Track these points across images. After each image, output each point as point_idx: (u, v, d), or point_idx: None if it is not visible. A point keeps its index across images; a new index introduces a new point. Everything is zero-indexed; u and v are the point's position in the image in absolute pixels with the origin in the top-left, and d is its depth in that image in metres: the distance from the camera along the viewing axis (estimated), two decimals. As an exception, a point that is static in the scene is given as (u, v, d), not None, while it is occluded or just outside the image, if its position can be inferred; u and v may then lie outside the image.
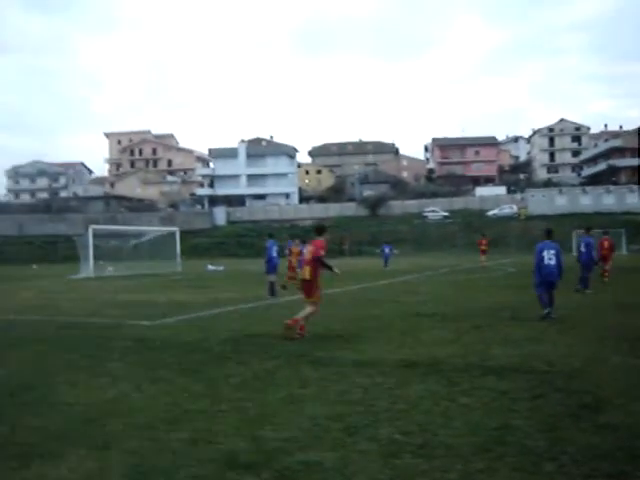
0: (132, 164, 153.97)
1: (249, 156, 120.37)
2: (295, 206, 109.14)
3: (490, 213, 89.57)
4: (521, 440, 5.91)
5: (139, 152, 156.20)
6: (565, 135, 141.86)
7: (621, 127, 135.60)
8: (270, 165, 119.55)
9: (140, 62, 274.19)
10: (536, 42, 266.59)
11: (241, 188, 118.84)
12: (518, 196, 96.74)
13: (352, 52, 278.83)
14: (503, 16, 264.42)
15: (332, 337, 12.50)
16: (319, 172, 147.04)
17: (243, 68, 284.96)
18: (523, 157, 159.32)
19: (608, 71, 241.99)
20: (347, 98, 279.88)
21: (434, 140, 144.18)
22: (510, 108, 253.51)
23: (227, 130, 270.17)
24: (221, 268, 47.36)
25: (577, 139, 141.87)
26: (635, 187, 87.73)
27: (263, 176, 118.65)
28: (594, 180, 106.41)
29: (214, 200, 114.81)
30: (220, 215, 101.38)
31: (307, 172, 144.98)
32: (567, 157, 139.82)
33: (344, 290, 24.47)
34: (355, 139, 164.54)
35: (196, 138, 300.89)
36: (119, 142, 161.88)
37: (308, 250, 13.49)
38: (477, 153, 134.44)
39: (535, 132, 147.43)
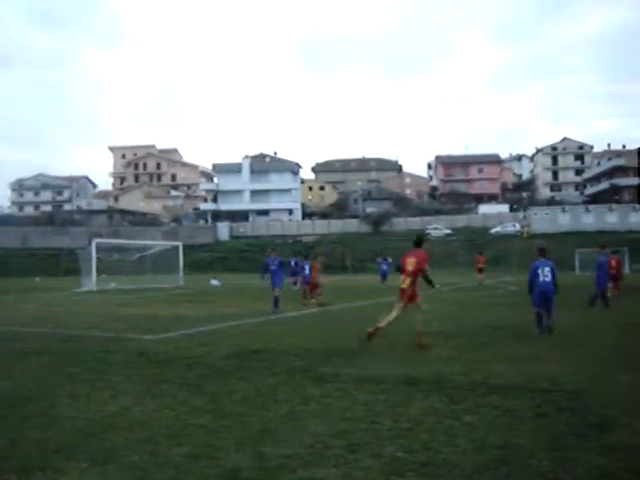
0: (136, 178, 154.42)
1: (253, 172, 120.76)
2: (298, 222, 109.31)
3: (493, 231, 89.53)
4: (525, 459, 5.87)
5: (143, 166, 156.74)
6: (568, 154, 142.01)
7: (624, 146, 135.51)
8: (274, 181, 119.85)
9: (145, 77, 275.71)
10: (540, 61, 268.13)
11: (244, 203, 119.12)
12: (521, 214, 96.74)
13: (356, 69, 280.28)
14: (507, 35, 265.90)
15: (334, 353, 12.43)
16: (322, 188, 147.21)
17: (247, 84, 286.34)
18: (526, 175, 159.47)
19: (611, 90, 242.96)
20: (351, 115, 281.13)
21: (437, 157, 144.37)
22: (513, 126, 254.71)
23: (231, 146, 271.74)
24: (220, 283, 47.25)
25: (580, 158, 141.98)
26: (638, 206, 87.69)
27: (266, 192, 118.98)
28: (597, 199, 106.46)
29: (217, 215, 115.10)
30: (223, 230, 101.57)
31: (310, 188, 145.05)
32: (570, 176, 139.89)
33: (347, 306, 24.46)
34: (358, 156, 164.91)
35: (200, 153, 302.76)
36: (123, 156, 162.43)
37: (410, 261, 13.74)
38: (480, 171, 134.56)
39: (538, 150, 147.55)
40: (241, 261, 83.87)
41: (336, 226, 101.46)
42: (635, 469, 5.60)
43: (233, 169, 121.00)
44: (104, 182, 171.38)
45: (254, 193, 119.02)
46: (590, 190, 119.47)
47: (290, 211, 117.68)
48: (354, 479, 5.41)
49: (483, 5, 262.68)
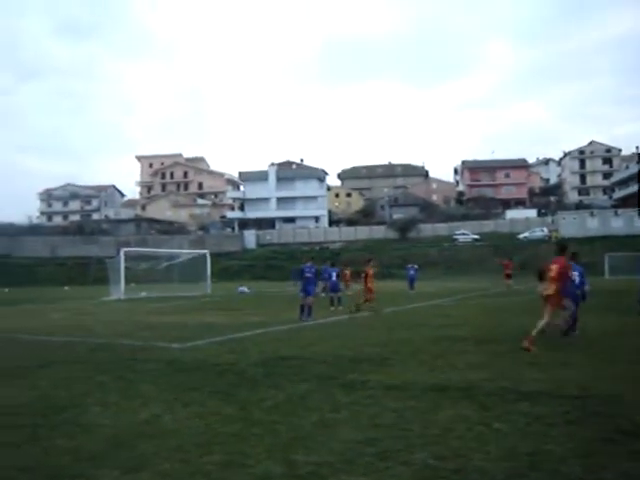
0: (163, 187, 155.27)
1: (279, 179, 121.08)
2: (325, 229, 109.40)
3: (521, 236, 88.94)
4: (556, 466, 5.82)
5: (170, 175, 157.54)
6: (596, 157, 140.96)
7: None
8: (300, 188, 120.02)
9: (172, 86, 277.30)
10: (567, 64, 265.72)
11: (271, 211, 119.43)
12: (549, 219, 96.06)
13: (382, 75, 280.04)
14: (533, 38, 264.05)
15: (363, 360, 12.42)
16: (349, 195, 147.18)
17: (273, 92, 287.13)
18: (554, 180, 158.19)
19: (638, 93, 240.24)
20: (377, 121, 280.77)
21: (464, 162, 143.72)
22: (540, 130, 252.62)
23: (257, 153, 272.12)
24: (249, 290, 47.36)
25: (608, 161, 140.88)
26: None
27: (293, 199, 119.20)
28: (626, 202, 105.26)
29: (244, 223, 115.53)
30: (250, 238, 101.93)
31: (337, 195, 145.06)
32: (598, 179, 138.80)
33: (374, 313, 24.42)
34: (385, 162, 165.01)
35: (227, 161, 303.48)
36: (151, 165, 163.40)
37: (553, 268, 13.94)
38: (507, 176, 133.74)
39: (566, 154, 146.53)
40: (268, 269, 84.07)
41: (363, 233, 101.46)
42: (668, 476, 5.53)
43: (259, 177, 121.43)
44: (131, 191, 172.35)
45: (280, 200, 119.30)
46: (619, 194, 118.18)
47: (317, 218, 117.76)
48: (385, 487, 5.39)
49: (506, 8, 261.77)
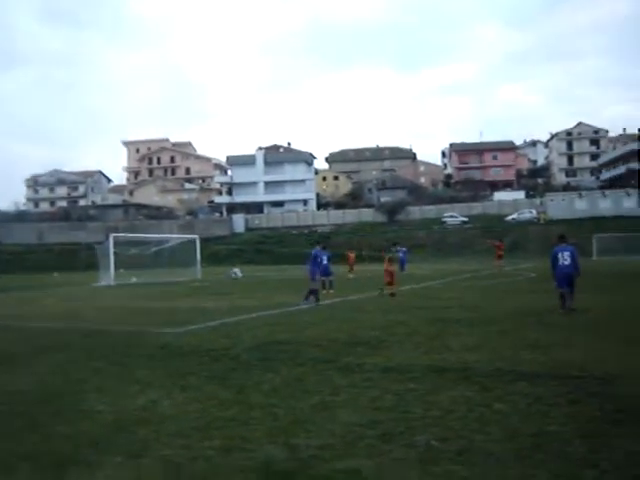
0: (150, 172, 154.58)
1: (267, 163, 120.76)
2: (313, 212, 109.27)
3: (509, 218, 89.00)
4: (560, 446, 5.82)
5: (157, 160, 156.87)
6: (583, 139, 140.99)
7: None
8: (288, 172, 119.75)
9: (158, 71, 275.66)
10: (554, 46, 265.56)
11: (259, 195, 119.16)
12: (537, 200, 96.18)
13: (369, 59, 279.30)
14: (521, 20, 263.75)
15: (358, 343, 12.41)
16: (336, 178, 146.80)
17: (260, 76, 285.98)
18: (541, 161, 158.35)
19: (626, 74, 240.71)
20: (365, 104, 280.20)
21: (452, 145, 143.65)
22: (527, 112, 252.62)
23: (245, 138, 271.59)
24: (241, 274, 47.20)
25: (595, 143, 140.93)
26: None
27: (281, 183, 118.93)
28: (613, 183, 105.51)
29: (232, 207, 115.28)
30: (239, 222, 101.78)
31: (324, 178, 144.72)
32: (586, 161, 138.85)
33: (367, 296, 24.44)
34: (372, 145, 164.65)
35: (214, 146, 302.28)
36: (137, 150, 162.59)
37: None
38: (495, 158, 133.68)
39: (553, 136, 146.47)
40: (257, 253, 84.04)
41: (351, 216, 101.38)
42: (673, 454, 5.53)
43: (247, 161, 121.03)
44: (118, 177, 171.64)
45: (268, 184, 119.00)
46: (606, 175, 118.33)
47: (305, 202, 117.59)
48: (390, 469, 5.37)
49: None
